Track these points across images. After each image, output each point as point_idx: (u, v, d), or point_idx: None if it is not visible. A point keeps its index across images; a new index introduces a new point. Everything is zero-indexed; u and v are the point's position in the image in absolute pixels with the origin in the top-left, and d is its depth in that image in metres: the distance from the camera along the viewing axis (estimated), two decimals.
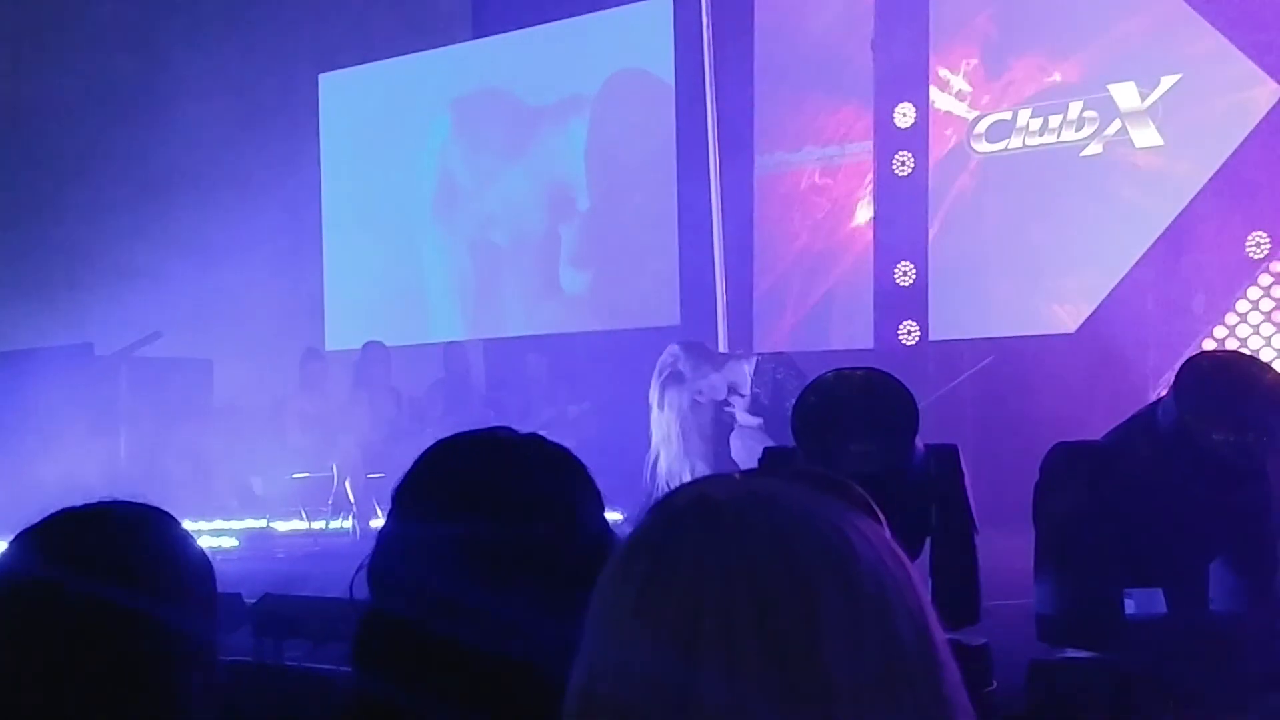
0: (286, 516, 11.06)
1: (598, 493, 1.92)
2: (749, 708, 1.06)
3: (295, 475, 11.23)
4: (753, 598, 1.08)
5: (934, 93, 10.37)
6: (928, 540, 4.12)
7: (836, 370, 4.36)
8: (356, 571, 1.87)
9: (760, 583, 1.09)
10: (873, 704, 1.07)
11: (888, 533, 1.20)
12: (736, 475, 1.25)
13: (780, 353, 7.64)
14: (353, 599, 1.86)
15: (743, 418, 7.51)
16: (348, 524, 10.68)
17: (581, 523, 1.85)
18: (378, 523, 10.52)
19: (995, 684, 3.90)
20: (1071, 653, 3.97)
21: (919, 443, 4.23)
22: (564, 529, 1.82)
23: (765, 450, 4.72)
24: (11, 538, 2.00)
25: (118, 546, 1.96)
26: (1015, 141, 10.08)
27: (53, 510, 2.01)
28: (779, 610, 1.08)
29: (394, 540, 1.86)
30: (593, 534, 1.85)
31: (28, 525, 2.00)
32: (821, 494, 1.19)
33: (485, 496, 1.83)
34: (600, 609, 1.15)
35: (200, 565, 2.04)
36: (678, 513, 1.16)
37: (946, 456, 4.29)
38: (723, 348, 9.02)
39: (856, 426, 4.12)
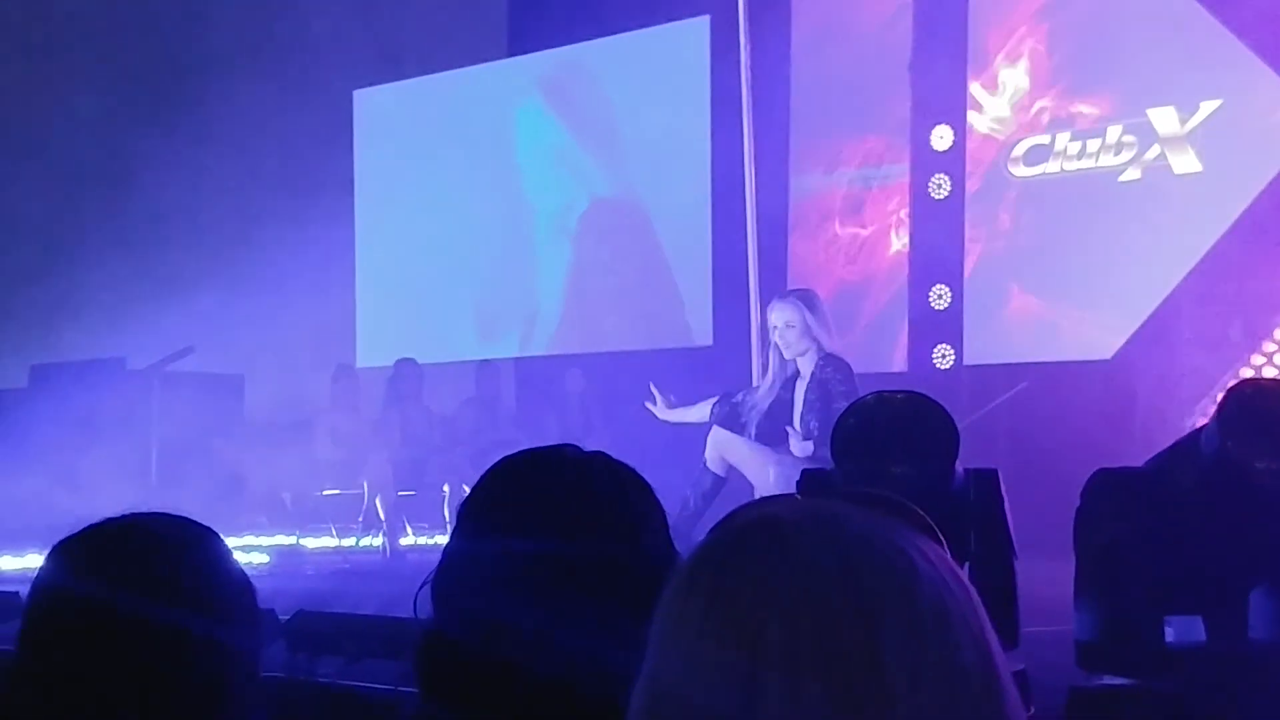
0: (316, 533, 11.07)
1: (662, 512, 1.91)
2: None
3: (326, 492, 11.25)
4: (816, 618, 1.08)
5: (972, 116, 10.35)
6: (966, 565, 4.10)
7: (877, 393, 4.35)
8: (420, 588, 1.86)
9: (824, 603, 1.09)
10: None
11: (949, 555, 1.19)
12: (797, 496, 1.25)
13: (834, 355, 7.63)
14: (416, 616, 1.85)
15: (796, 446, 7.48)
16: (378, 541, 10.68)
17: (646, 543, 1.84)
18: (408, 540, 10.67)
19: (1033, 709, 3.87)
20: (1110, 679, 3.95)
21: (959, 466, 4.21)
22: (628, 549, 1.81)
23: (803, 473, 4.70)
24: (50, 548, 1.99)
25: (160, 561, 1.96)
26: (1053, 166, 10.05)
27: (87, 523, 2.00)
28: (842, 631, 1.08)
29: (458, 558, 1.85)
30: (657, 554, 1.84)
31: (67, 536, 1.99)
32: (885, 516, 1.18)
33: (550, 515, 1.82)
34: (663, 627, 1.15)
35: (241, 582, 2.04)
36: (742, 532, 1.16)
37: (986, 480, 4.27)
38: (755, 369, 9.00)
39: (896, 449, 4.10)
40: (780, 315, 7.64)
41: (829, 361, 7.54)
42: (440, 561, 1.87)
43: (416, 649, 1.84)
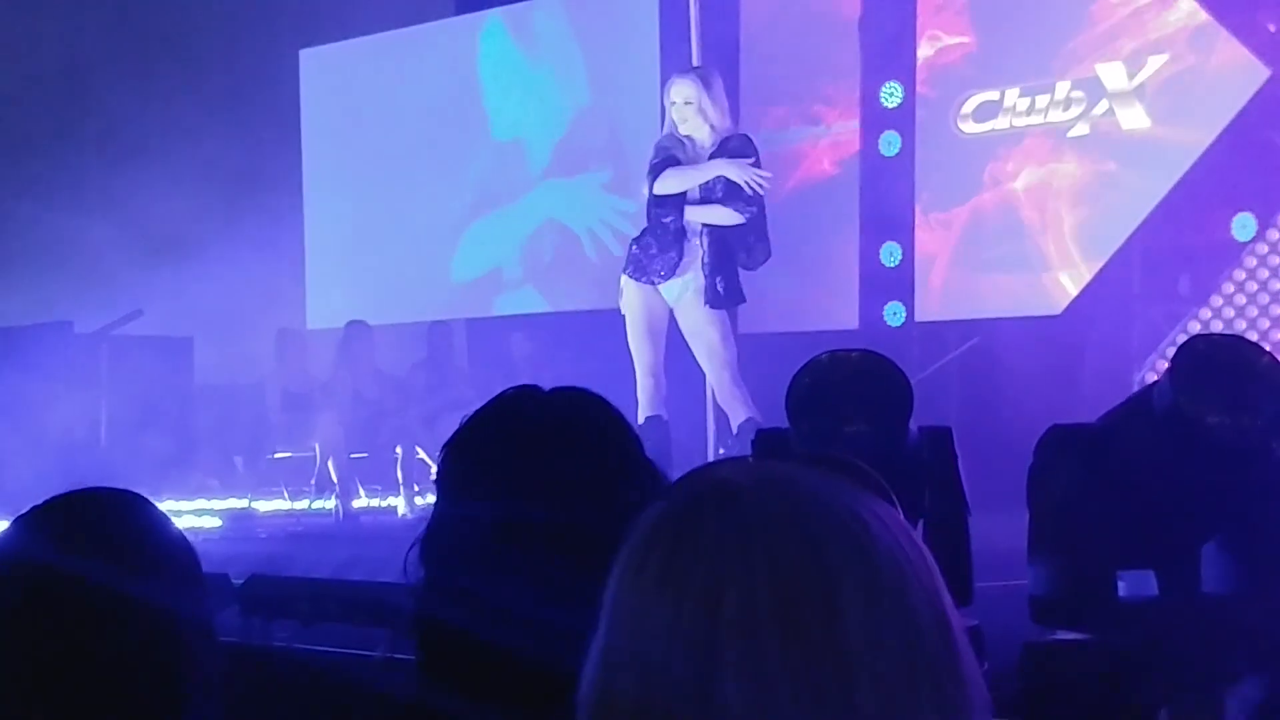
0: (268, 496, 11.05)
1: (639, 452, 1.88)
2: (769, 694, 1.06)
3: (277, 455, 11.22)
4: (772, 583, 1.08)
5: (921, 72, 10.34)
6: (920, 523, 4.12)
7: (831, 352, 4.35)
8: (409, 550, 1.84)
9: (780, 568, 1.09)
10: (892, 687, 1.08)
11: (902, 516, 1.19)
12: (749, 459, 1.24)
13: None
14: (406, 579, 1.83)
15: None
16: (330, 504, 10.66)
17: (625, 493, 1.79)
18: (361, 503, 10.64)
19: (987, 665, 3.90)
20: (1063, 634, 3.97)
21: (912, 425, 4.22)
22: (607, 504, 1.76)
23: (758, 433, 4.72)
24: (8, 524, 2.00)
25: (93, 532, 1.97)
26: (1002, 122, 10.06)
27: (36, 488, 2.00)
28: (799, 596, 1.08)
29: (442, 524, 1.83)
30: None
31: (19, 513, 2.00)
32: (837, 478, 1.18)
33: (526, 478, 1.79)
34: (616, 596, 1.14)
35: (181, 544, 2.06)
36: (694, 498, 1.16)
37: (940, 439, 4.29)
38: None
39: (850, 409, 4.11)
40: (680, 92, 7.82)
41: (733, 137, 7.83)
42: (426, 527, 1.85)
43: (412, 617, 1.82)
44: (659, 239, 7.74)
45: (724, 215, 7.74)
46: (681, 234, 7.71)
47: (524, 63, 12.95)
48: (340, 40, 13.87)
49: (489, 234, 13.08)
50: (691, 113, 7.71)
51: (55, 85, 13.17)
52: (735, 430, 7.72)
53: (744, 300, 7.90)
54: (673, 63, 10.80)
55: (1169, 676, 3.65)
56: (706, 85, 7.83)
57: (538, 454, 1.82)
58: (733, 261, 7.80)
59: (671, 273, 7.72)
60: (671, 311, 7.89)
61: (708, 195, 7.71)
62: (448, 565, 1.78)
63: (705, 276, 7.69)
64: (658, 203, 7.77)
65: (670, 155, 7.77)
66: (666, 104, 7.88)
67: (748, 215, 7.73)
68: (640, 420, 7.71)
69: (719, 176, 7.68)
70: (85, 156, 12.58)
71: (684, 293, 7.74)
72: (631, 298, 7.89)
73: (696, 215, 7.73)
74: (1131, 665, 3.69)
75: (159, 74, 12.94)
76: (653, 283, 7.78)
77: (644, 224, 7.98)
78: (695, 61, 9.23)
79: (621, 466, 1.84)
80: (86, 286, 11.52)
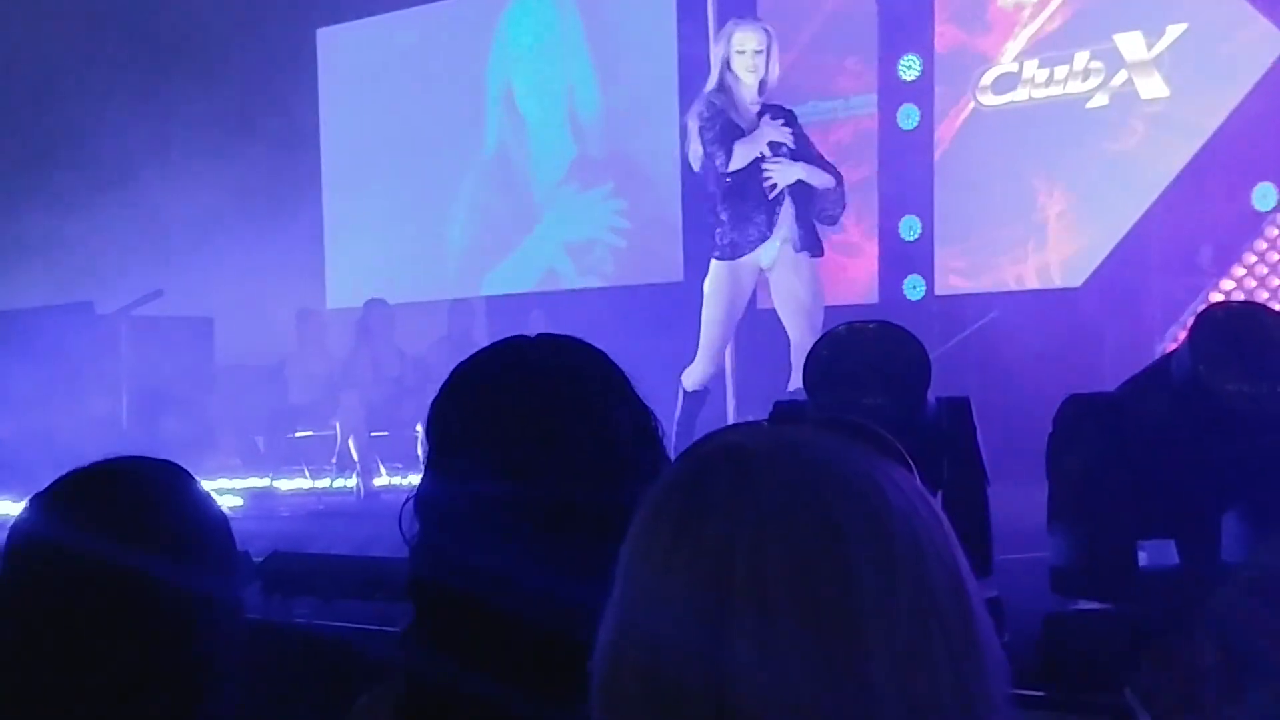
0: (290, 475, 11.07)
1: (629, 387, 1.86)
2: (780, 660, 1.05)
3: (298, 434, 11.24)
4: (785, 546, 1.07)
5: (939, 45, 10.30)
6: (939, 494, 4.11)
7: (848, 323, 4.34)
8: (404, 504, 1.80)
9: (792, 531, 1.08)
10: (906, 653, 1.06)
11: (919, 480, 1.18)
12: (764, 424, 1.24)
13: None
14: (403, 534, 1.79)
15: None
16: (351, 482, 10.68)
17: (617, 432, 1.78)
18: (382, 480, 10.62)
19: (1008, 636, 3.89)
20: (1085, 604, 3.96)
21: (930, 396, 4.21)
22: (600, 446, 1.75)
23: (775, 403, 4.71)
24: (28, 498, 1.98)
25: (135, 505, 1.95)
26: (1021, 94, 10.03)
27: (58, 469, 1.99)
28: (812, 559, 1.07)
29: (436, 478, 1.79)
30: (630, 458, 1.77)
31: (44, 487, 1.98)
32: (852, 442, 1.17)
33: (517, 423, 1.77)
34: (630, 559, 1.14)
35: (218, 521, 2.05)
36: (707, 462, 1.15)
37: (958, 409, 4.27)
38: None
39: (869, 380, 4.11)
40: (749, 40, 7.62)
41: (780, 113, 7.70)
42: (423, 477, 1.81)
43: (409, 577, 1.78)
44: (746, 207, 7.59)
45: (807, 173, 7.66)
46: (767, 194, 7.58)
47: (540, 39, 12.94)
48: (357, 19, 13.86)
49: (508, 212, 13.08)
50: (763, 61, 7.56)
51: (72, 80, 13.17)
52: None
53: (823, 253, 7.80)
54: (689, 34, 10.78)
55: (1189, 646, 3.64)
56: (771, 36, 7.68)
57: (527, 394, 1.80)
58: (813, 213, 7.71)
59: (768, 232, 7.54)
60: (754, 291, 7.80)
61: (776, 151, 7.63)
62: (442, 523, 1.75)
63: (796, 227, 7.56)
64: (734, 176, 7.63)
65: (726, 117, 7.60)
66: (726, 54, 7.63)
67: (825, 171, 7.70)
68: (689, 389, 7.67)
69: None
70: (104, 144, 12.57)
71: (780, 252, 7.62)
72: (720, 279, 7.66)
73: (789, 174, 7.61)
74: (1152, 635, 3.67)
75: (178, 57, 12.94)
76: (750, 250, 7.58)
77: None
78: (711, 34, 9.20)
79: (611, 400, 1.81)
80: (107, 268, 11.53)
